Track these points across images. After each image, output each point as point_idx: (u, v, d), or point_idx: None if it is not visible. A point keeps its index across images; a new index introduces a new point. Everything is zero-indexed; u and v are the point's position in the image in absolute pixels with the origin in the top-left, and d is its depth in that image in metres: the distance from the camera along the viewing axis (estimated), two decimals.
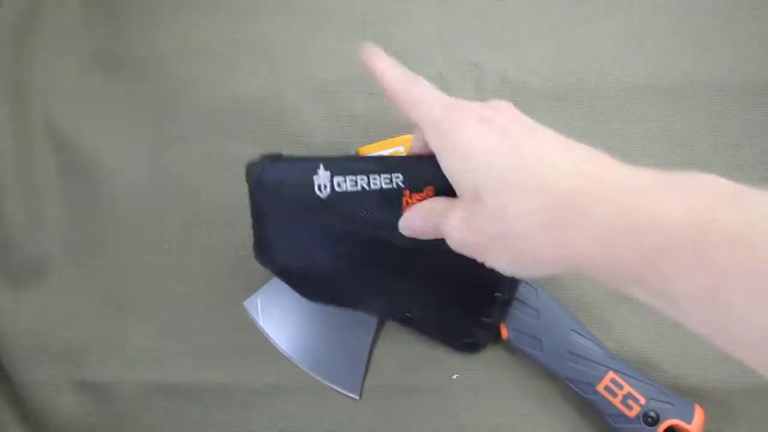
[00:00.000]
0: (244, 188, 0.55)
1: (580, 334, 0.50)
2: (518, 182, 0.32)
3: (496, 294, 0.48)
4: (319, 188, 0.40)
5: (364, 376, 0.53)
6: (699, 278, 0.26)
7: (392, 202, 0.39)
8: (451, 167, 0.35)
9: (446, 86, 0.56)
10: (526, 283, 0.50)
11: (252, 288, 0.54)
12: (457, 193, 0.36)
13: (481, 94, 0.56)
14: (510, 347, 0.52)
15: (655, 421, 0.48)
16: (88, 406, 0.54)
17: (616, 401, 0.49)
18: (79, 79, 0.59)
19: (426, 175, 0.39)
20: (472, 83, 0.57)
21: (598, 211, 0.29)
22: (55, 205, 0.57)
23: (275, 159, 0.41)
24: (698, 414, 0.48)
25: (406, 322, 0.51)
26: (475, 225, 0.34)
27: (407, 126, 0.50)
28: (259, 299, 0.54)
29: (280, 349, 0.53)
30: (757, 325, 0.25)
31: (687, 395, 0.50)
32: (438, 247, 0.37)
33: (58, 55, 0.59)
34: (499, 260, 0.34)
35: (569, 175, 0.31)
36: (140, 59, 0.59)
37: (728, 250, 0.25)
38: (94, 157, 0.57)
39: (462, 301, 0.49)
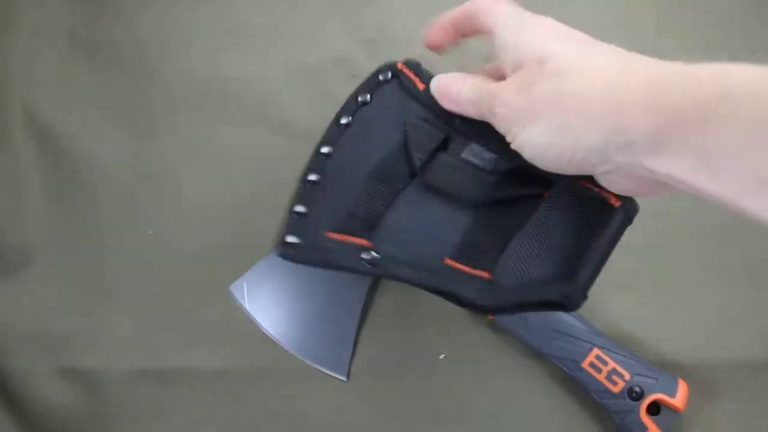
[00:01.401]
0: (226, 173, 0.55)
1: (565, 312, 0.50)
2: (587, 48, 0.33)
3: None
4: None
5: (352, 358, 0.53)
6: (750, 119, 0.27)
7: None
8: (524, 40, 0.35)
9: (429, 67, 0.56)
10: None
11: (238, 272, 0.54)
12: (515, 69, 0.35)
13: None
14: (496, 326, 0.52)
15: (639, 396, 0.49)
16: (73, 394, 0.53)
17: (601, 377, 0.49)
18: (58, 65, 0.58)
19: None
20: (455, 64, 0.56)
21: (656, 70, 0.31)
22: (35, 194, 0.56)
23: None
24: (682, 388, 0.49)
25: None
26: (532, 85, 0.33)
27: None
28: (245, 283, 0.54)
29: (266, 333, 0.53)
30: None
31: (671, 370, 0.51)
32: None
33: (37, 43, 0.58)
34: (542, 126, 0.33)
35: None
36: (119, 45, 0.58)
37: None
38: (74, 144, 0.56)
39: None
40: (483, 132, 0.38)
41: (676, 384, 0.49)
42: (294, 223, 0.41)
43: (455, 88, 0.39)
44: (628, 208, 0.37)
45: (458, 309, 0.53)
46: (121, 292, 0.55)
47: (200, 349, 0.53)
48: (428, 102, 0.41)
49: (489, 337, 0.53)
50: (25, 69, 0.58)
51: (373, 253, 0.39)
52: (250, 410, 0.53)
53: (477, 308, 0.38)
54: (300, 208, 0.41)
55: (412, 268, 0.38)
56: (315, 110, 0.56)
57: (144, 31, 0.58)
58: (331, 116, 0.55)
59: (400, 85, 0.42)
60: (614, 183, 0.36)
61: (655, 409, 0.49)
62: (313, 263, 0.40)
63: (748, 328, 0.52)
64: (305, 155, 0.53)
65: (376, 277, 0.41)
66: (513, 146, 0.35)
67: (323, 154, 0.43)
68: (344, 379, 0.53)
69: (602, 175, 0.35)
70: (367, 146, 0.42)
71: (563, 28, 0.35)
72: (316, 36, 0.57)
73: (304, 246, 0.40)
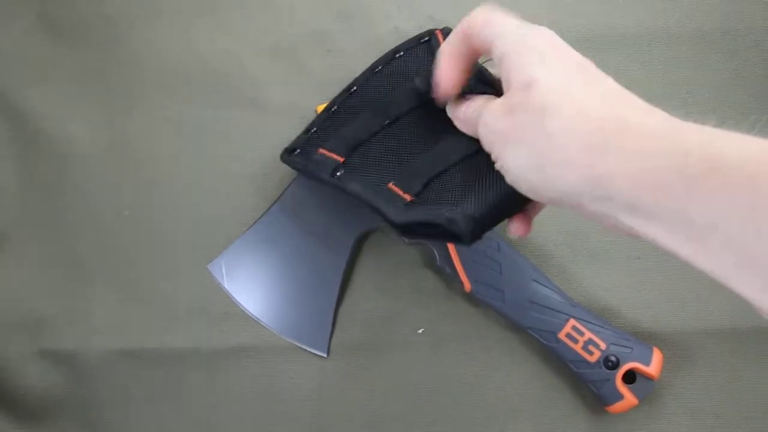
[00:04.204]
0: (201, 151, 0.55)
1: (542, 284, 0.51)
2: (575, 77, 0.33)
3: None
4: None
5: (331, 334, 0.53)
6: (742, 198, 0.25)
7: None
8: (513, 62, 0.34)
9: (403, 40, 0.56)
10: (489, 237, 0.51)
11: (215, 251, 0.54)
12: (506, 89, 0.35)
13: None
14: (473, 300, 0.53)
15: (615, 365, 0.49)
16: (54, 376, 0.53)
17: (578, 347, 0.50)
18: (27, 44, 0.57)
19: None
20: None
21: (647, 129, 0.29)
22: (8, 175, 0.55)
23: None
24: (656, 356, 0.50)
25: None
26: (516, 112, 0.33)
27: None
28: (223, 262, 0.54)
29: (245, 311, 0.53)
30: None
31: (645, 339, 0.51)
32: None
33: (4, 21, 0.57)
34: (520, 155, 0.33)
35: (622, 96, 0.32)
36: (89, 23, 0.57)
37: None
38: (46, 124, 0.56)
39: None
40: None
41: (650, 353, 0.50)
42: (301, 138, 0.49)
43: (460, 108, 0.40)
44: None
45: (435, 284, 0.54)
46: (98, 273, 0.54)
47: (179, 329, 0.53)
48: None
49: (467, 310, 0.53)
50: None
51: (342, 171, 0.45)
52: (230, 388, 0.53)
53: (391, 224, 0.42)
54: (312, 129, 0.49)
55: (363, 186, 0.44)
56: (290, 86, 0.56)
57: (113, 7, 0.57)
58: (305, 92, 0.55)
59: (429, 47, 0.47)
60: (597, 222, 0.35)
61: (630, 377, 0.50)
62: (299, 169, 0.49)
63: (721, 296, 0.53)
64: (282, 132, 0.53)
65: (336, 188, 0.45)
66: (496, 166, 0.35)
67: (349, 91, 0.49)
68: (324, 355, 0.53)
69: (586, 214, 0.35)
70: (385, 90, 0.47)
71: (557, 48, 0.34)
72: (290, 11, 0.57)
73: (299, 155, 0.48)
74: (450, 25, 0.56)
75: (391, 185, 0.42)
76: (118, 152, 0.55)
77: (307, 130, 0.49)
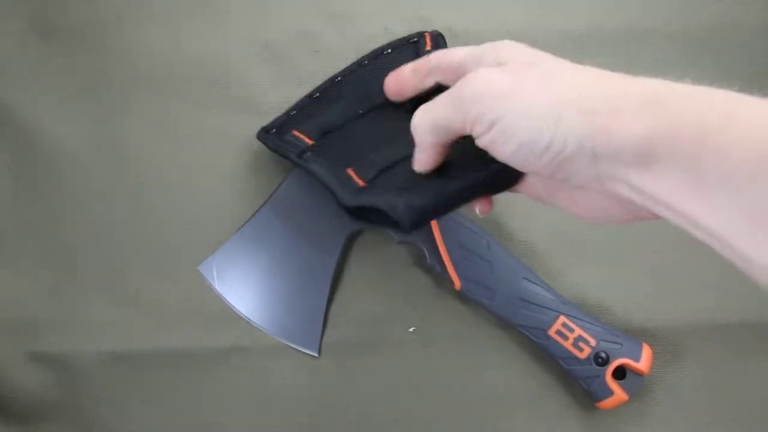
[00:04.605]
0: (191, 152, 0.55)
1: (532, 282, 0.51)
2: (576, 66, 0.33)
3: None
4: None
5: (322, 334, 0.53)
6: (755, 153, 0.25)
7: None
8: (504, 51, 0.35)
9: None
10: (479, 235, 0.51)
11: (206, 252, 0.54)
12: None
13: None
14: (463, 298, 0.53)
15: (605, 362, 0.50)
16: (45, 378, 0.53)
17: (568, 344, 0.50)
18: (18, 48, 0.57)
19: None
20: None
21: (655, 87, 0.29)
22: (1, 179, 0.55)
23: None
24: (646, 352, 0.50)
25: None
26: (520, 69, 0.33)
27: None
28: (214, 263, 0.54)
29: (237, 311, 0.53)
30: None
31: (635, 335, 0.52)
32: None
33: None
34: (521, 109, 0.31)
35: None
36: (79, 26, 0.57)
37: None
38: (37, 127, 0.55)
39: None
40: None
41: (640, 348, 0.50)
42: (280, 118, 0.51)
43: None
44: (504, 172, 0.37)
45: (425, 283, 0.54)
46: (90, 275, 0.54)
47: (171, 330, 0.53)
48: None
49: (457, 309, 0.54)
50: None
51: (309, 153, 0.47)
52: (222, 389, 0.53)
53: (343, 207, 0.44)
54: (292, 111, 0.51)
55: (324, 169, 0.46)
56: (280, 86, 0.56)
57: (104, 11, 0.57)
58: (295, 93, 0.55)
59: (417, 47, 0.49)
60: (585, 202, 0.35)
61: (620, 373, 0.50)
62: (272, 148, 0.50)
63: (710, 292, 0.53)
64: None
65: (302, 168, 0.48)
66: (484, 141, 0.34)
67: (333, 80, 0.51)
68: (315, 354, 0.53)
69: (576, 191, 0.34)
70: (367, 82, 0.49)
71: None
72: (279, 11, 0.57)
73: (274, 134, 0.50)
74: (439, 27, 0.56)
75: (349, 170, 0.45)
76: (110, 154, 0.55)
77: (288, 112, 0.51)
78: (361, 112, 0.47)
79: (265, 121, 0.52)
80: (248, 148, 0.55)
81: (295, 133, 0.49)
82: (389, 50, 0.51)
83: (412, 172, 0.40)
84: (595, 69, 0.32)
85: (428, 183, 0.39)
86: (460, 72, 0.37)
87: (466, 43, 0.55)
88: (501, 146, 0.33)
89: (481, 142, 0.34)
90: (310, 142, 0.48)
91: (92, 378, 0.53)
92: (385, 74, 0.47)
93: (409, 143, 0.40)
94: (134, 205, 0.55)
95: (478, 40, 0.54)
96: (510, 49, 0.35)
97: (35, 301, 0.54)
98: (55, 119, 0.56)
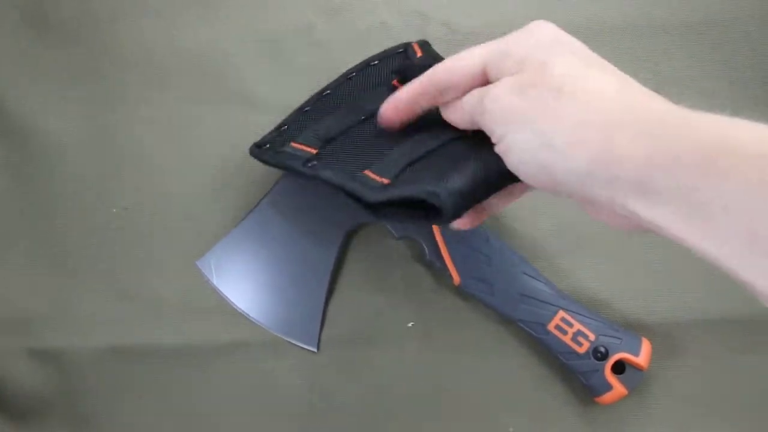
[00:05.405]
0: (187, 147, 0.55)
1: (531, 276, 0.51)
2: (588, 64, 0.34)
3: None
4: None
5: (321, 329, 0.53)
6: (754, 176, 0.25)
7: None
8: (524, 43, 0.35)
9: (390, 35, 0.56)
10: (478, 230, 0.51)
11: (204, 247, 0.54)
12: (515, 73, 0.35)
13: None
14: (462, 293, 0.53)
15: (604, 356, 0.50)
16: (42, 374, 0.53)
17: (567, 339, 0.50)
18: (11, 42, 0.56)
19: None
20: (416, 32, 0.56)
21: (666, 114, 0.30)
22: None
23: None
24: (645, 347, 0.50)
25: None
26: (531, 88, 0.33)
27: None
28: (212, 258, 0.53)
29: (235, 307, 0.53)
30: None
31: (634, 330, 0.52)
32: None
33: None
34: (530, 132, 0.32)
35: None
36: (73, 19, 0.56)
37: None
38: (30, 122, 0.55)
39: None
40: None
41: (639, 343, 0.50)
42: (271, 134, 0.50)
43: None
44: None
45: (425, 278, 0.54)
46: (86, 270, 0.54)
47: (168, 326, 0.53)
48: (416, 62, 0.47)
49: (456, 304, 0.53)
50: None
51: (315, 162, 0.45)
52: (220, 384, 0.53)
53: (366, 205, 0.41)
54: (283, 126, 0.50)
55: (339, 174, 0.43)
56: (277, 80, 0.55)
57: (98, 4, 0.56)
58: (291, 86, 0.55)
59: (405, 56, 0.48)
60: (597, 215, 0.35)
61: (619, 368, 0.50)
62: (268, 162, 0.48)
63: (709, 286, 0.53)
64: (269, 126, 0.52)
65: (309, 177, 0.45)
66: (497, 149, 0.35)
67: (322, 94, 0.51)
68: (314, 349, 0.53)
69: (586, 205, 0.35)
70: (358, 92, 0.49)
71: (565, 36, 0.35)
72: (276, 4, 0.56)
73: (268, 149, 0.49)
74: (437, 21, 0.56)
75: (366, 172, 0.42)
76: (106, 149, 0.55)
77: (278, 127, 0.50)
78: (362, 117, 0.46)
79: (262, 114, 0.52)
80: (246, 142, 0.54)
81: (295, 144, 0.47)
82: (376, 61, 0.50)
83: (441, 164, 0.39)
84: (601, 80, 0.32)
85: (460, 171, 0.37)
86: (479, 81, 0.37)
87: (464, 38, 0.56)
88: (507, 157, 0.35)
89: (496, 148, 0.36)
90: (313, 150, 0.46)
91: (89, 373, 0.53)
92: (374, 84, 0.48)
93: (428, 137, 0.40)
94: (131, 199, 0.55)
95: (475, 34, 0.56)
96: (526, 45, 0.35)
97: (31, 296, 0.54)
98: (48, 113, 0.56)
